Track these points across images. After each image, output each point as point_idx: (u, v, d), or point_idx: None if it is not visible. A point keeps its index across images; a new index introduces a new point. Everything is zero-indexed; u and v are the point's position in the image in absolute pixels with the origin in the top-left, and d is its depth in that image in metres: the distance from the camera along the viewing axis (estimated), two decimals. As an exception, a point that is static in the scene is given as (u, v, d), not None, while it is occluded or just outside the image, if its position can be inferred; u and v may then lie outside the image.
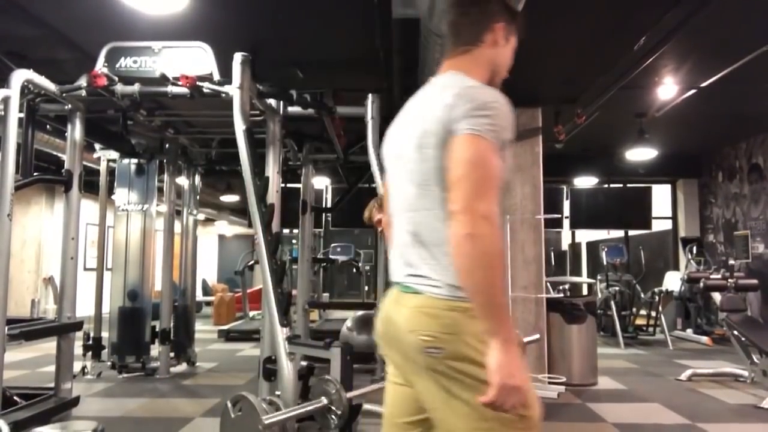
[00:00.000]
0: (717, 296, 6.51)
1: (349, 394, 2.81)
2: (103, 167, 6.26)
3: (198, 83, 3.90)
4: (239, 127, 3.70)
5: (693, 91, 5.46)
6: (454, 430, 1.29)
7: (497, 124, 1.27)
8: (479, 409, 1.24)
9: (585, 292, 10.23)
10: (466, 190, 1.23)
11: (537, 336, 4.02)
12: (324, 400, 2.81)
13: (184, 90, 3.94)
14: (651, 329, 8.34)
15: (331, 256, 9.79)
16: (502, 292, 1.24)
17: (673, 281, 8.70)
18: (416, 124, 1.39)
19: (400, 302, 1.40)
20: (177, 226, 6.52)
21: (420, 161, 1.36)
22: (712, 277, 6.09)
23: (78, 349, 5.21)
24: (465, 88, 1.33)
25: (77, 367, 5.18)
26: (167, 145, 6.09)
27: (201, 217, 9.43)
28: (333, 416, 2.79)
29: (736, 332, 5.19)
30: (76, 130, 4.40)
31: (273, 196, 4.01)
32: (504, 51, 1.50)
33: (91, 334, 5.79)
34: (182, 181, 6.68)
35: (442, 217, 1.31)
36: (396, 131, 1.53)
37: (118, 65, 4.04)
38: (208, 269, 16.59)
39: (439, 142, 1.31)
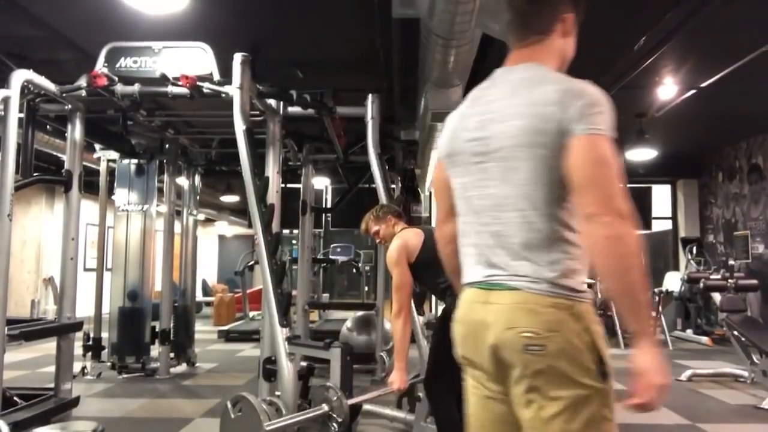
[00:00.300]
0: (717, 296, 6.51)
1: (350, 401, 2.82)
2: (103, 167, 6.26)
3: (198, 83, 3.90)
4: (239, 127, 3.70)
5: (693, 91, 5.47)
6: (542, 430, 1.27)
7: (610, 121, 1.27)
8: (571, 410, 1.23)
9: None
10: (601, 192, 1.21)
11: None
12: (325, 407, 2.82)
13: (184, 90, 3.93)
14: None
15: (331, 257, 9.79)
16: (647, 290, 1.23)
17: (673, 281, 8.70)
18: (516, 120, 1.32)
19: (488, 300, 1.34)
20: (177, 227, 6.52)
21: (525, 159, 1.30)
22: (712, 277, 6.09)
23: (78, 349, 5.20)
24: (569, 84, 1.31)
25: (77, 367, 5.18)
26: (167, 146, 6.09)
27: (201, 217, 9.43)
28: (334, 423, 2.79)
29: (736, 332, 5.18)
30: (76, 130, 4.40)
31: (273, 197, 4.00)
32: (570, 41, 1.47)
33: (91, 335, 5.79)
34: (182, 181, 6.68)
35: (541, 217, 1.29)
36: (475, 126, 1.41)
37: (118, 65, 4.03)
38: (208, 269, 16.59)
39: (552, 140, 1.27)
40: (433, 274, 2.98)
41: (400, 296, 2.98)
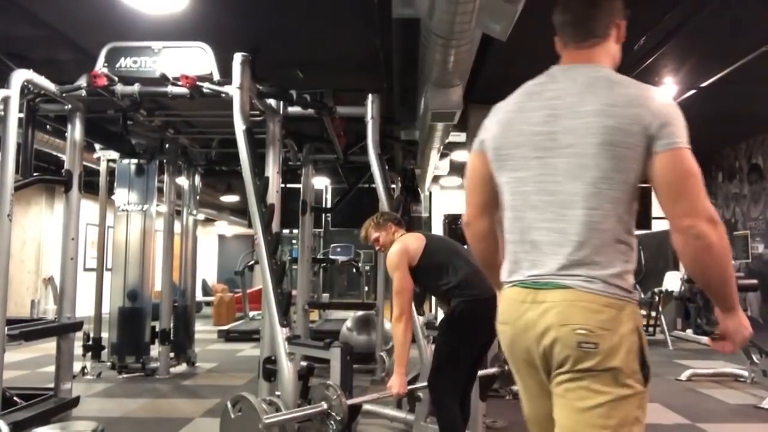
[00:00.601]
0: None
1: (350, 401, 2.81)
2: (103, 167, 6.26)
3: (198, 83, 3.90)
4: (239, 127, 3.70)
5: (693, 91, 5.47)
6: (577, 424, 1.31)
7: (686, 131, 1.34)
8: (610, 406, 1.27)
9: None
10: (692, 203, 1.28)
11: None
12: (324, 405, 2.82)
13: (184, 90, 3.93)
14: (651, 329, 8.33)
15: (331, 257, 9.79)
16: (733, 276, 1.36)
17: (672, 281, 8.70)
18: (596, 117, 1.32)
19: (537, 300, 1.35)
20: (177, 227, 6.52)
21: (602, 157, 1.31)
22: (712, 277, 6.06)
23: (78, 349, 5.20)
24: (651, 89, 1.36)
25: (77, 367, 5.18)
26: (167, 146, 6.09)
27: (201, 217, 9.43)
28: (332, 422, 2.79)
29: (736, 332, 5.18)
30: (76, 130, 4.40)
31: (273, 197, 4.00)
32: (619, 48, 1.53)
33: (91, 335, 5.79)
34: (182, 181, 6.68)
35: (607, 217, 1.32)
36: (539, 121, 1.40)
37: (118, 65, 4.03)
38: (208, 269, 16.59)
39: (636, 142, 1.30)
40: (436, 278, 2.98)
41: (400, 300, 2.95)
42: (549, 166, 1.38)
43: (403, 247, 3.03)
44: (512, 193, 1.45)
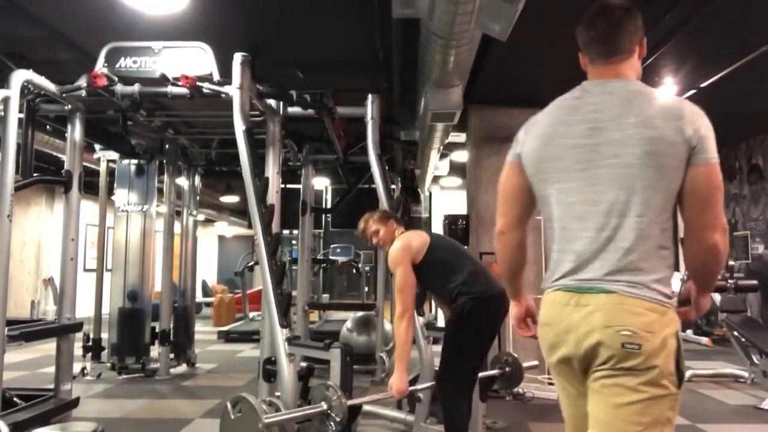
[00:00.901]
0: (717, 297, 6.50)
1: (350, 402, 2.81)
2: (103, 168, 6.26)
3: (198, 83, 3.90)
4: (239, 127, 3.70)
5: (693, 91, 5.46)
6: (612, 419, 1.37)
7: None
8: (645, 405, 1.34)
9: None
10: (716, 213, 1.42)
11: (536, 362, 4.06)
12: (324, 406, 2.81)
13: (184, 90, 3.93)
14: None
15: (331, 257, 9.79)
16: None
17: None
18: (641, 129, 1.40)
19: (580, 303, 1.41)
20: (177, 227, 6.52)
21: (648, 167, 1.39)
22: (712, 277, 6.06)
23: (78, 350, 5.20)
24: (686, 102, 1.45)
25: (77, 368, 5.18)
26: (167, 146, 6.09)
27: (201, 217, 9.43)
28: (332, 422, 2.79)
29: (736, 333, 5.18)
30: (76, 131, 4.40)
31: (273, 197, 4.00)
32: (640, 63, 1.61)
33: (91, 335, 5.79)
34: (182, 181, 6.68)
35: (652, 223, 1.40)
36: (582, 134, 1.47)
37: (118, 65, 4.03)
38: (207, 270, 16.59)
39: (678, 152, 1.39)
40: (443, 275, 2.95)
41: (403, 297, 2.89)
42: (593, 176, 1.45)
43: (406, 243, 3.01)
44: (557, 204, 1.52)
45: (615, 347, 1.35)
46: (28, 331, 3.86)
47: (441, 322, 7.83)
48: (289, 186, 6.35)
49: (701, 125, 1.40)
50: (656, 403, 1.34)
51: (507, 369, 3.80)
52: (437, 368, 3.03)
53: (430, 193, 10.65)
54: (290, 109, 4.56)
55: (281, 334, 3.29)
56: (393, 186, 6.48)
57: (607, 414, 1.38)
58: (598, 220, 1.43)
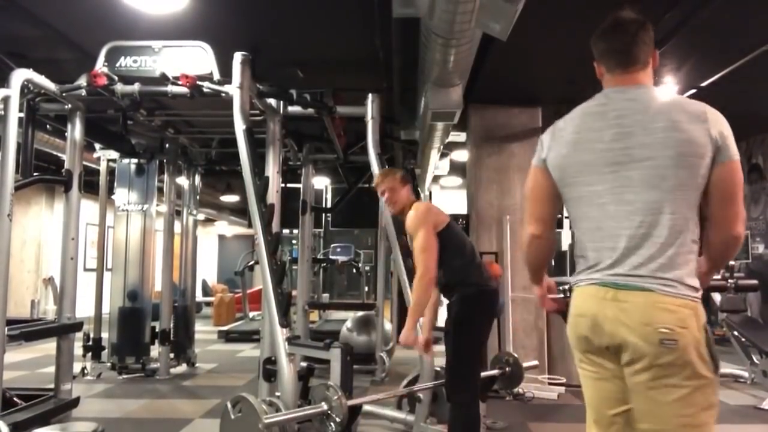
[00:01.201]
0: (717, 297, 6.50)
1: (350, 402, 2.81)
2: (103, 167, 6.26)
3: (198, 83, 3.90)
4: (239, 126, 3.70)
5: (693, 91, 5.46)
6: (663, 415, 1.47)
7: None
8: (690, 397, 1.45)
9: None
10: (738, 208, 1.54)
11: (536, 363, 4.06)
12: (324, 406, 2.81)
13: (184, 90, 3.93)
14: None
15: (331, 257, 9.78)
16: None
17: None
18: (670, 132, 1.50)
19: (617, 298, 1.51)
20: (177, 227, 6.52)
21: (679, 167, 1.50)
22: (712, 277, 6.05)
23: (78, 349, 5.20)
24: (708, 106, 1.55)
25: (77, 368, 5.18)
26: (167, 145, 6.09)
27: (201, 217, 9.43)
28: (332, 422, 2.78)
29: (736, 333, 5.18)
30: (76, 130, 4.40)
31: (273, 196, 4.00)
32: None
33: (91, 335, 5.78)
34: (182, 181, 6.68)
35: (684, 220, 1.51)
36: (611, 138, 1.57)
37: (118, 65, 4.03)
38: (208, 269, 16.59)
39: (705, 152, 1.50)
40: (453, 253, 2.88)
41: (426, 258, 2.71)
42: (625, 178, 1.55)
43: (430, 206, 2.96)
44: (589, 205, 1.61)
45: (653, 344, 1.44)
46: (28, 331, 3.86)
47: (441, 322, 7.82)
48: (289, 185, 6.35)
49: (723, 127, 1.52)
50: (699, 392, 1.45)
51: (507, 369, 3.80)
52: (448, 370, 2.87)
53: (430, 193, 10.65)
54: (290, 109, 4.56)
55: (281, 333, 3.29)
56: (393, 186, 6.47)
57: (656, 410, 1.48)
58: (633, 219, 1.53)
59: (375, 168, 4.36)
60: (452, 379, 2.86)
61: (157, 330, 5.90)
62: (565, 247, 13.96)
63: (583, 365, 1.65)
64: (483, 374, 3.32)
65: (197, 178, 6.78)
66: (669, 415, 1.47)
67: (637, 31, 1.64)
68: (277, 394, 3.40)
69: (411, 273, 3.30)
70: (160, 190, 6.27)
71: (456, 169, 8.88)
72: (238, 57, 3.80)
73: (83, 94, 4.10)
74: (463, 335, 2.83)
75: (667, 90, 5.49)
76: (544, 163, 1.71)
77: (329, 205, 9.52)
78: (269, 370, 3.57)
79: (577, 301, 1.63)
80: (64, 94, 4.08)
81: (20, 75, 3.72)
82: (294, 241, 9.47)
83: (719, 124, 1.52)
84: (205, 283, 14.55)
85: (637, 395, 1.52)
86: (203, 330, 9.65)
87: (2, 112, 3.61)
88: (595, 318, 1.54)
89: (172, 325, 6.10)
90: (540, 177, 1.72)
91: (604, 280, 1.55)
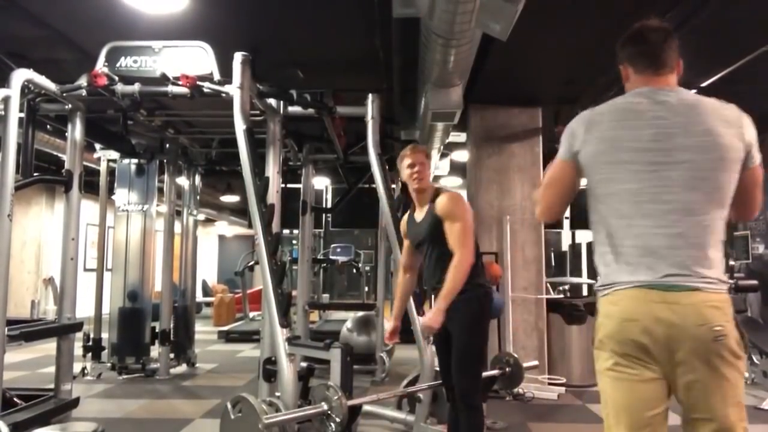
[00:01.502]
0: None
1: (350, 402, 2.81)
2: (103, 167, 6.26)
3: (198, 83, 3.90)
4: (239, 127, 3.70)
5: (693, 91, 5.47)
6: (717, 402, 1.59)
7: None
8: (741, 375, 1.60)
9: (585, 292, 10.21)
10: (759, 204, 1.70)
11: (536, 363, 4.05)
12: (324, 406, 2.81)
13: (185, 90, 3.94)
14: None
15: (331, 257, 9.79)
16: None
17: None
18: (711, 137, 1.57)
19: (667, 300, 1.54)
20: (177, 227, 6.52)
21: (717, 170, 1.57)
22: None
23: (78, 350, 5.20)
24: (740, 111, 1.64)
25: (77, 368, 5.18)
26: (167, 145, 6.09)
27: (201, 217, 9.42)
28: (332, 422, 2.78)
29: (736, 333, 5.18)
30: (76, 130, 4.40)
31: (273, 197, 4.00)
32: None
33: (91, 335, 5.78)
34: (182, 181, 6.68)
35: (719, 220, 1.58)
36: (650, 139, 1.60)
37: (118, 65, 4.03)
38: (208, 270, 16.59)
39: (740, 156, 1.59)
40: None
41: (469, 245, 2.71)
42: (663, 178, 1.58)
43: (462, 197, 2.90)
44: (623, 202, 1.63)
45: (707, 341, 1.51)
46: (28, 331, 3.86)
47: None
48: (289, 185, 6.35)
49: (753, 132, 1.62)
50: (740, 373, 1.60)
51: (507, 369, 3.80)
52: (463, 371, 2.76)
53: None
54: (290, 109, 4.56)
55: (281, 334, 3.29)
56: (393, 186, 6.48)
57: (711, 399, 1.59)
58: (668, 218, 1.57)
59: (375, 168, 4.36)
60: (470, 381, 2.77)
61: (157, 330, 5.90)
62: (564, 247, 13.98)
63: (620, 368, 1.62)
64: (483, 374, 3.32)
65: (197, 178, 6.79)
66: (723, 400, 1.58)
67: (666, 37, 1.72)
68: (277, 394, 3.40)
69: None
70: (160, 190, 6.27)
71: (456, 169, 8.88)
72: (238, 57, 3.80)
73: (83, 94, 4.10)
74: (477, 335, 2.78)
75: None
76: (575, 156, 1.70)
77: (329, 205, 9.52)
78: (269, 371, 3.57)
79: (623, 305, 1.60)
80: (64, 94, 4.08)
81: (20, 75, 3.72)
82: (294, 242, 9.48)
83: (750, 129, 1.61)
84: (205, 284, 14.56)
85: (690, 390, 1.58)
86: (203, 330, 9.65)
87: (2, 112, 3.61)
88: (646, 321, 1.55)
89: (172, 325, 6.10)
90: (568, 170, 1.73)
91: (651, 283, 1.56)
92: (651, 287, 1.55)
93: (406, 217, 3.09)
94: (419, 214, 2.92)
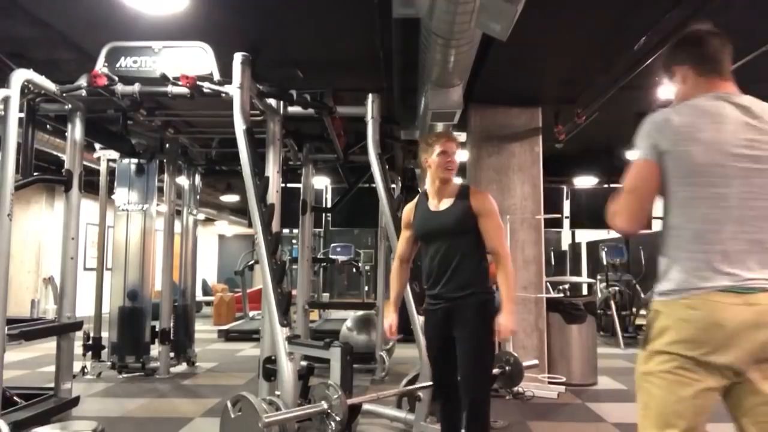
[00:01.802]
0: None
1: (350, 401, 2.81)
2: (103, 167, 6.26)
3: (198, 83, 3.90)
4: (239, 126, 3.70)
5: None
6: None
7: None
8: None
9: (585, 292, 10.24)
10: None
11: (536, 362, 4.05)
12: (324, 405, 2.82)
13: (184, 90, 3.94)
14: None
15: (331, 256, 9.80)
16: None
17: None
18: None
19: (749, 302, 1.54)
20: (177, 226, 6.52)
21: None
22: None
23: (78, 349, 5.21)
24: None
25: (77, 367, 5.19)
26: (167, 145, 6.09)
27: (201, 217, 9.43)
28: (332, 421, 2.79)
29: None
30: (76, 130, 4.40)
31: (273, 196, 4.00)
32: None
33: (91, 334, 5.79)
34: (182, 180, 6.68)
35: None
36: (745, 144, 1.62)
37: (118, 65, 4.03)
38: (208, 269, 16.60)
39: None
40: (484, 250, 2.89)
41: (506, 244, 2.85)
42: (753, 185, 1.61)
43: None
44: (711, 207, 1.61)
45: None
46: (28, 330, 3.86)
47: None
48: (289, 185, 6.35)
49: None
50: None
51: (507, 368, 3.80)
52: (479, 370, 2.75)
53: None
54: (290, 109, 4.56)
55: (281, 333, 3.30)
56: (393, 185, 6.49)
57: None
58: (753, 225, 1.59)
59: (375, 168, 4.37)
60: (485, 379, 2.81)
61: (157, 329, 5.91)
62: (564, 246, 13.99)
63: (682, 372, 1.62)
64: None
65: (197, 178, 6.79)
66: None
67: (726, 44, 1.76)
68: (277, 393, 3.41)
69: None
70: (160, 190, 6.27)
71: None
72: (238, 57, 3.80)
73: (83, 94, 4.10)
74: (491, 335, 2.76)
75: (663, 88, 5.49)
76: (660, 156, 1.66)
77: (329, 205, 9.53)
78: (269, 369, 3.58)
79: (705, 311, 1.57)
80: (64, 95, 4.08)
81: (20, 75, 3.72)
82: (294, 241, 9.49)
83: None
84: (205, 283, 14.57)
85: (758, 390, 1.61)
86: (203, 329, 9.66)
87: (2, 113, 3.61)
88: (731, 326, 1.54)
89: (172, 324, 6.10)
90: (655, 171, 1.67)
91: (733, 287, 1.56)
92: (731, 290, 1.56)
93: (412, 205, 2.98)
94: (441, 205, 2.84)
